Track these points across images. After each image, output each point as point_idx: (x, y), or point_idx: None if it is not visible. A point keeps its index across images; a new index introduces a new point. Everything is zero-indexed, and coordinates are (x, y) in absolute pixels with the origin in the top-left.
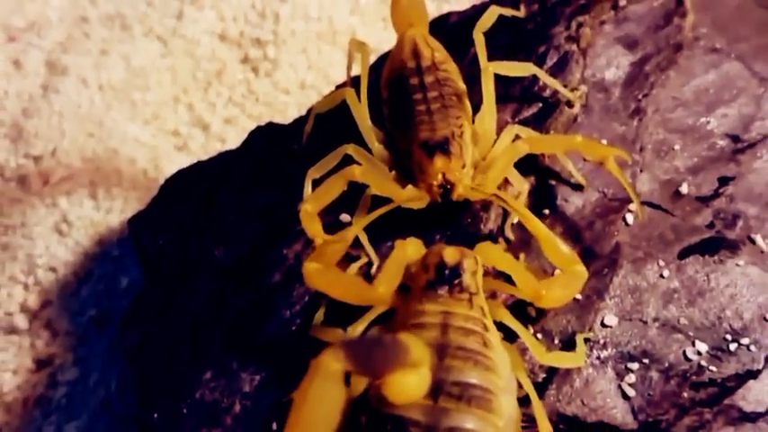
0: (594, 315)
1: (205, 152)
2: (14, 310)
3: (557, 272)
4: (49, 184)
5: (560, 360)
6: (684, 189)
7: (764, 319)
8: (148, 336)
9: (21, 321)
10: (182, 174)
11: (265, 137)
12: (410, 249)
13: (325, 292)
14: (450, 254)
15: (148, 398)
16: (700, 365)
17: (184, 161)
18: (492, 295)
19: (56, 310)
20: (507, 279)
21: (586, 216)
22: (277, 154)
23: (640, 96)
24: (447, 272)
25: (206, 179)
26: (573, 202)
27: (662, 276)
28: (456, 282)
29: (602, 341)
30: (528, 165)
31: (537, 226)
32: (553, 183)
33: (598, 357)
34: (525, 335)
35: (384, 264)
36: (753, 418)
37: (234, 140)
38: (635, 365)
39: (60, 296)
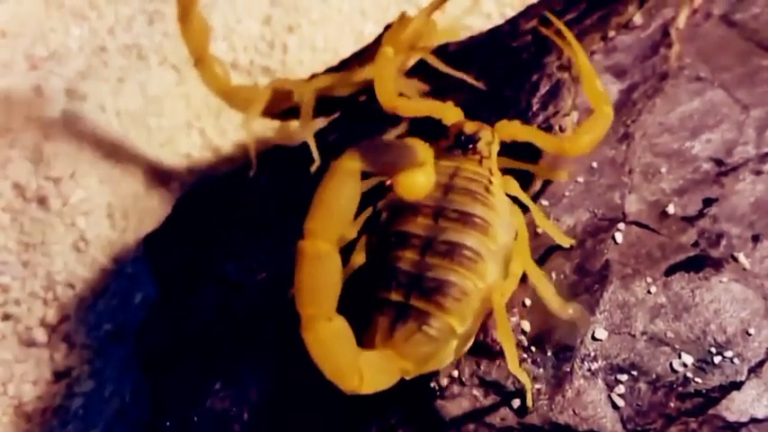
0: (585, 329)
1: (216, 175)
2: (34, 324)
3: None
4: (68, 204)
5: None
6: (671, 210)
7: (747, 333)
8: (161, 347)
9: (40, 335)
10: (194, 193)
11: (273, 159)
12: (450, 113)
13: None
14: (469, 125)
15: (161, 407)
16: (686, 377)
17: (194, 180)
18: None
19: (73, 324)
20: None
21: (577, 235)
22: (284, 174)
23: (629, 122)
24: (463, 138)
25: (217, 198)
26: (564, 222)
27: (649, 292)
28: (470, 147)
29: (592, 354)
30: (523, 186)
31: (583, 58)
32: (547, 203)
33: (589, 369)
34: (534, 208)
35: None
36: (736, 427)
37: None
38: (624, 377)
39: (78, 311)
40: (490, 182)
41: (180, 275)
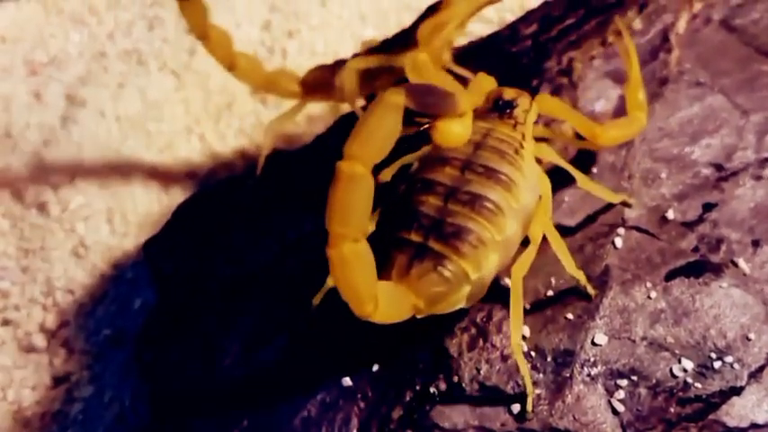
0: (585, 334)
1: (215, 180)
2: (33, 329)
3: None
4: (67, 210)
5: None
6: (671, 215)
7: (747, 338)
8: (161, 353)
9: (39, 341)
10: (194, 199)
11: (273, 164)
12: (485, 82)
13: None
14: (509, 92)
15: (161, 412)
16: (686, 382)
17: (196, 189)
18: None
19: (73, 329)
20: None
21: (577, 239)
22: (284, 179)
23: None
24: (501, 102)
25: (217, 204)
26: (565, 226)
27: (649, 297)
28: (507, 111)
29: (592, 359)
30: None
31: (635, 64)
32: None
33: (589, 374)
34: (576, 172)
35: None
36: None
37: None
38: (624, 382)
39: (77, 316)
40: (521, 146)
41: (180, 281)
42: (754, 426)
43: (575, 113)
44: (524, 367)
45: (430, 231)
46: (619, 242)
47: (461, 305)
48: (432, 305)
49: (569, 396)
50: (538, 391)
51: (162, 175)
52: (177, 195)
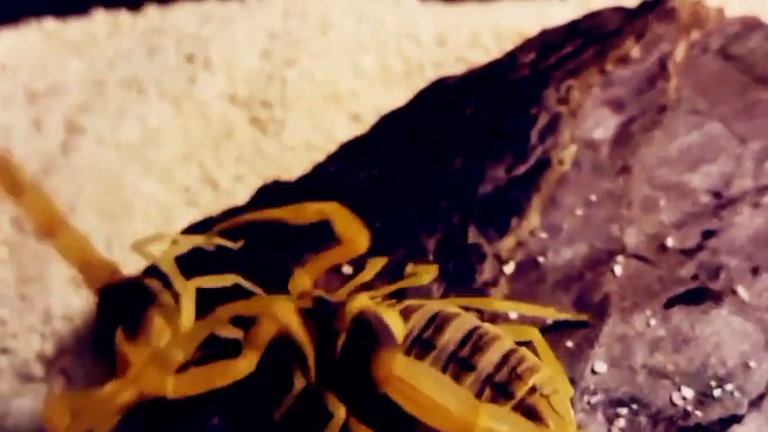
0: (585, 363)
1: (214, 208)
2: (31, 358)
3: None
4: None
5: None
6: (670, 242)
7: (747, 365)
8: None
9: (37, 369)
10: (193, 228)
11: (272, 193)
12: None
13: None
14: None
15: None
16: (686, 410)
17: (195, 216)
18: None
19: (71, 358)
20: None
21: (576, 267)
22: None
23: (627, 155)
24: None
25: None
26: (563, 255)
27: (649, 325)
28: None
29: (592, 387)
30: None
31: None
32: (545, 236)
33: (589, 402)
34: None
35: None
36: None
37: (242, 196)
38: (624, 410)
39: (75, 345)
40: None
41: None
42: None
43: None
44: None
45: None
46: (618, 270)
47: None
48: None
49: None
50: None
51: (161, 203)
52: (176, 223)
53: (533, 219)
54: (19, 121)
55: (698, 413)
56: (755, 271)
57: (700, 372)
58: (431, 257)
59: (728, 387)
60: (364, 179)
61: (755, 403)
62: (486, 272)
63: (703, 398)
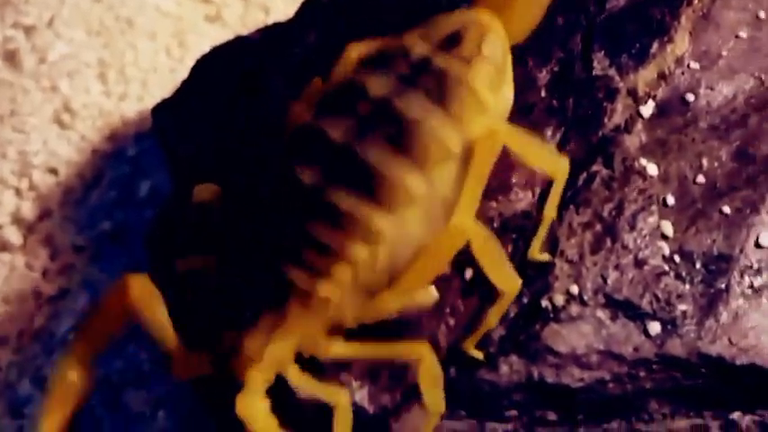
0: (747, 233)
1: (244, 25)
2: (4, 221)
3: None
4: (45, 62)
5: None
6: None
7: None
8: (176, 254)
9: (13, 235)
10: (217, 52)
11: (324, 8)
12: None
13: None
14: None
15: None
16: None
17: (219, 36)
18: None
19: (57, 221)
20: None
21: (738, 108)
22: (336, 28)
23: None
24: None
25: (248, 59)
26: (721, 91)
27: None
28: None
29: (756, 265)
30: None
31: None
32: (697, 67)
33: (751, 285)
34: None
35: None
36: None
37: (281, 10)
38: None
39: (62, 205)
40: None
41: (200, 159)
42: None
43: None
44: None
45: None
46: None
47: None
48: None
49: (725, 314)
50: (683, 308)
51: (172, 18)
52: (193, 46)
53: (681, 42)
54: None
55: None
56: None
57: None
58: (542, 94)
59: None
60: None
61: None
62: (618, 113)
63: None
